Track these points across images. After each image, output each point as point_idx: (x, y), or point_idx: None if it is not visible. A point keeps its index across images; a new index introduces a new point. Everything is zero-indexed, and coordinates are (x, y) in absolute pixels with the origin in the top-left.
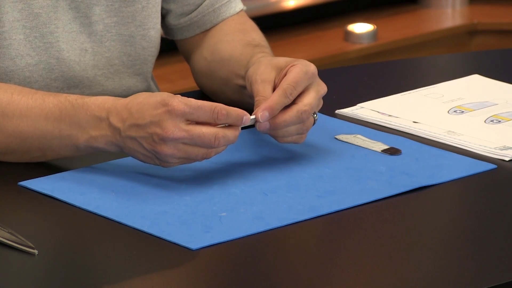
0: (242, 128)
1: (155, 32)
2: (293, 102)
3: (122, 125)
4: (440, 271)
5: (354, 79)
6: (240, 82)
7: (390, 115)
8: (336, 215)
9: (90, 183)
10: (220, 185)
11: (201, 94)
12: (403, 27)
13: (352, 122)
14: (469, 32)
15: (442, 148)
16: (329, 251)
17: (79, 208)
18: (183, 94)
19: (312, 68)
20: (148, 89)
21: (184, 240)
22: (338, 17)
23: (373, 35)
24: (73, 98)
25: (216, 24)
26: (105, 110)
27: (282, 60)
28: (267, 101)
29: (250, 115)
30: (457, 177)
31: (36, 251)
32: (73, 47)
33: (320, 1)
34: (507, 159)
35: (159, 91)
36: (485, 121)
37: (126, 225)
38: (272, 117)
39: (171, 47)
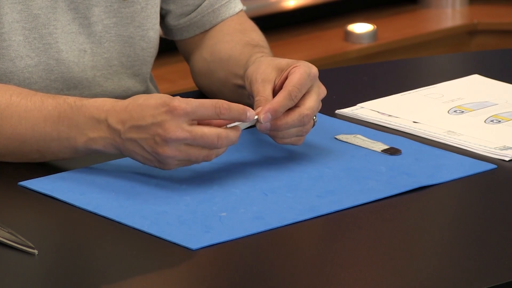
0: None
1: (154, 32)
2: (295, 104)
3: (121, 127)
4: (440, 271)
5: (354, 79)
6: (239, 81)
7: (390, 115)
8: (336, 215)
9: (90, 183)
10: (220, 185)
11: (201, 94)
12: (403, 27)
13: (352, 122)
14: (469, 32)
15: (442, 148)
16: (329, 251)
17: (79, 208)
18: (183, 94)
19: (314, 70)
20: (147, 90)
21: (184, 240)
22: (338, 17)
23: (373, 35)
24: (71, 100)
25: (216, 25)
26: (104, 112)
27: (283, 61)
28: (271, 102)
29: None
30: (457, 177)
31: (36, 251)
32: (72, 48)
33: (320, 1)
34: (507, 159)
35: (158, 91)
36: (485, 121)
37: (126, 225)
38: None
39: (171, 47)
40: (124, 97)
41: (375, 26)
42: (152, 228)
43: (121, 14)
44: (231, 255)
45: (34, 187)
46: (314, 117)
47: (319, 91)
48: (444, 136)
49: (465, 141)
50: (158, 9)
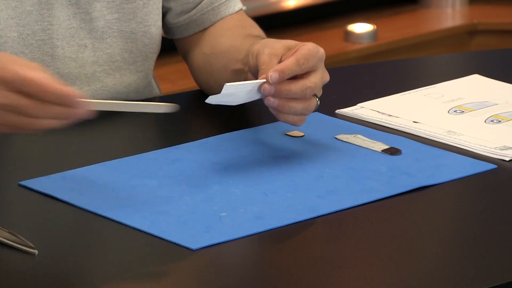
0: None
1: (155, 29)
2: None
3: None
4: (440, 271)
5: (354, 79)
6: (238, 66)
7: (390, 115)
8: (336, 215)
9: (90, 183)
10: (220, 185)
11: (203, 94)
12: (403, 27)
13: (352, 122)
14: (469, 32)
15: (442, 148)
16: (329, 251)
17: (79, 208)
18: (183, 94)
19: (322, 51)
20: (148, 86)
21: (184, 240)
22: (338, 17)
23: (373, 35)
24: None
25: (215, 23)
26: None
27: (291, 41)
28: (279, 64)
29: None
30: (457, 177)
31: (36, 251)
32: (70, 43)
33: (320, 1)
34: (507, 159)
35: (159, 89)
36: (485, 121)
37: (126, 225)
38: (279, 82)
39: (171, 47)
40: (125, 93)
41: (375, 26)
42: (152, 228)
43: (123, 10)
44: (231, 255)
45: (34, 187)
46: (317, 99)
47: (324, 74)
48: (444, 136)
49: (465, 141)
50: (160, 6)
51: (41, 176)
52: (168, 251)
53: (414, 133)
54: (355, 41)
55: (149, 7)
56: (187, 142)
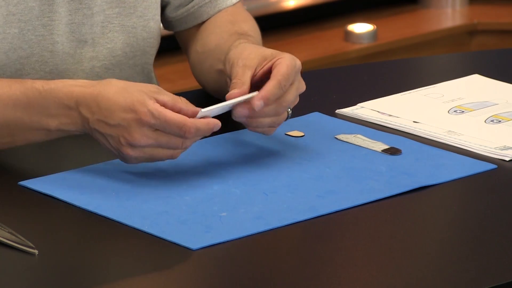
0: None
1: (154, 23)
2: None
3: (91, 116)
4: (440, 271)
5: (354, 79)
6: (219, 66)
7: (390, 115)
8: (336, 215)
9: (90, 183)
10: (220, 185)
11: (203, 93)
12: (403, 27)
13: (352, 122)
14: (469, 32)
15: (442, 148)
16: (329, 251)
17: (79, 208)
18: (183, 94)
19: (299, 63)
20: (147, 82)
21: (184, 240)
22: (338, 17)
23: (373, 35)
24: (39, 85)
25: (213, 15)
26: (73, 99)
27: (268, 51)
28: (263, 90)
29: (225, 97)
30: (457, 177)
31: (36, 251)
32: (70, 39)
33: (320, 1)
34: (507, 159)
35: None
36: (485, 121)
37: (126, 225)
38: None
39: (171, 47)
40: None
41: (375, 26)
42: (152, 228)
43: (123, 4)
44: (231, 255)
45: (34, 187)
46: (289, 110)
47: (299, 86)
48: (444, 136)
49: (465, 141)
50: (159, 0)
51: (41, 176)
52: (168, 251)
53: (414, 133)
54: (355, 41)
55: (148, 1)
56: None
